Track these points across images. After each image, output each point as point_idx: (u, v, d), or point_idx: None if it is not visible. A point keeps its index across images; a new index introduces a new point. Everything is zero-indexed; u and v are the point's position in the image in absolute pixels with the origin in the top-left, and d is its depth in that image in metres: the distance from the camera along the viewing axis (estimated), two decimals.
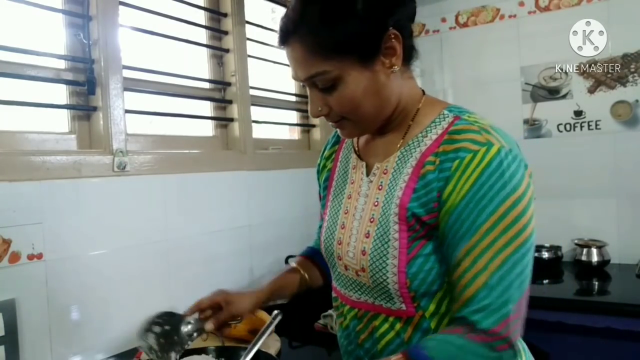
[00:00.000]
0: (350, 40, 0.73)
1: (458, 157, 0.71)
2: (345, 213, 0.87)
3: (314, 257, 1.06)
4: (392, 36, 0.74)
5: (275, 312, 1.04)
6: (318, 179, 1.03)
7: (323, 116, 0.80)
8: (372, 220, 0.80)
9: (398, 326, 0.79)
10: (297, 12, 0.75)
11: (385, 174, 0.81)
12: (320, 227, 1.05)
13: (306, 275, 1.03)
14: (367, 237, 0.80)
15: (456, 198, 0.71)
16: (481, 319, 0.68)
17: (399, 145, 0.81)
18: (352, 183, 0.88)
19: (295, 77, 0.79)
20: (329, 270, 1.02)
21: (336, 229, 0.88)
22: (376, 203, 0.80)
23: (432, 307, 0.77)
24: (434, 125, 0.78)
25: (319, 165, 1.02)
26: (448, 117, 0.78)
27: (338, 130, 0.84)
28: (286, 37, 0.76)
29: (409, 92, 0.82)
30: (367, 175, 0.85)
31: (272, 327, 1.01)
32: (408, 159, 0.78)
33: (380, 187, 0.81)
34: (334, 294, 0.94)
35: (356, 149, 0.91)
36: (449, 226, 0.72)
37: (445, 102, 0.83)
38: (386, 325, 0.80)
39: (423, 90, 0.85)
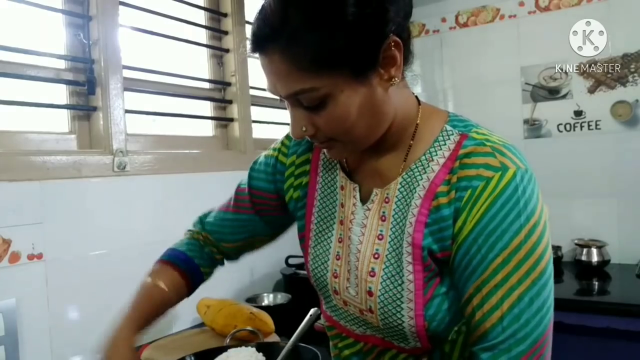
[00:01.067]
0: (343, 52, 0.59)
1: (471, 186, 0.63)
2: (340, 242, 0.76)
3: (181, 265, 0.89)
4: (393, 44, 0.62)
5: (314, 309, 0.99)
6: (272, 179, 0.86)
7: (307, 137, 0.67)
8: (376, 256, 0.70)
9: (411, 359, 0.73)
10: (276, 15, 0.59)
11: (387, 202, 0.71)
12: (230, 219, 0.91)
13: (172, 296, 0.86)
14: (373, 276, 0.70)
15: (465, 231, 0.63)
16: (491, 357, 0.62)
17: (400, 170, 0.70)
18: (342, 206, 0.76)
19: (273, 92, 0.65)
20: (196, 278, 0.90)
21: (329, 259, 0.77)
22: (380, 237, 0.70)
23: (449, 338, 0.70)
24: (438, 145, 0.68)
25: (284, 169, 0.84)
26: (453, 134, 0.68)
27: (325, 150, 0.73)
28: (262, 44, 0.61)
29: (405, 104, 0.71)
30: (363, 201, 0.74)
31: (310, 323, 0.98)
32: (414, 187, 0.68)
33: (383, 219, 0.71)
34: (328, 323, 0.84)
35: (345, 167, 0.78)
36: (457, 262, 0.65)
37: (444, 112, 0.73)
38: None
39: (417, 97, 0.74)
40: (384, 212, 0.71)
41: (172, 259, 0.90)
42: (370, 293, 0.70)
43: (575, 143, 2.13)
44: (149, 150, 1.58)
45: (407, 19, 0.66)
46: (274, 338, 1.35)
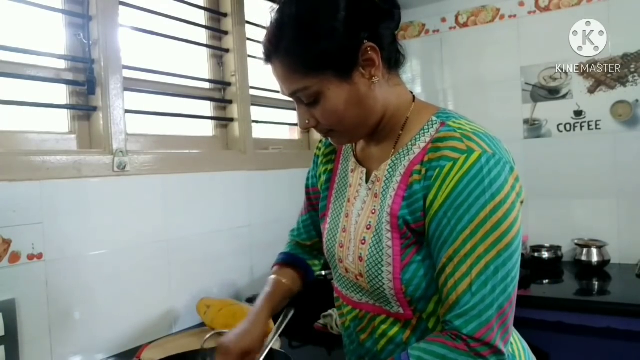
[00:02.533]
0: (325, 57, 0.74)
1: (439, 165, 0.72)
2: (346, 216, 0.88)
3: (292, 263, 1.07)
4: (369, 49, 0.75)
5: (288, 308, 1.04)
6: (315, 173, 1.03)
7: (312, 128, 0.82)
8: (368, 227, 0.81)
9: (397, 327, 0.80)
10: (273, 34, 0.77)
11: (378, 182, 0.82)
12: (306, 221, 1.09)
13: (293, 287, 1.03)
14: (363, 244, 0.81)
15: (436, 206, 0.72)
16: (464, 324, 0.68)
17: (390, 154, 0.82)
18: (350, 186, 0.89)
19: (282, 92, 0.83)
20: (308, 271, 1.07)
21: (338, 232, 0.89)
22: (373, 211, 0.82)
23: (429, 309, 0.78)
24: (422, 133, 0.79)
25: (317, 158, 1.03)
26: (435, 123, 0.78)
27: (329, 139, 0.87)
28: (268, 56, 0.80)
29: (397, 99, 0.83)
30: (367, 181, 0.86)
31: (284, 324, 1.01)
32: (398, 167, 0.79)
33: (376, 195, 0.82)
34: (335, 294, 0.95)
35: (355, 152, 0.92)
36: (432, 233, 0.73)
37: (435, 107, 0.84)
38: (385, 326, 0.82)
39: (414, 96, 0.86)
40: (376, 190, 0.83)
41: (284, 260, 1.08)
42: (360, 259, 0.82)
43: (575, 143, 2.13)
44: (149, 150, 1.58)
45: (392, 28, 0.80)
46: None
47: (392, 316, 0.80)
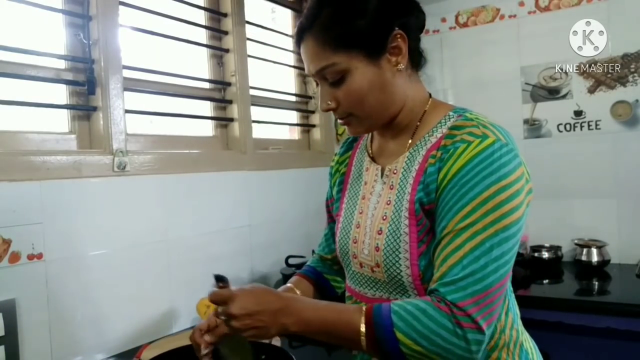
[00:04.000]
0: (358, 36, 0.77)
1: (454, 147, 0.75)
2: (360, 213, 0.89)
3: (309, 275, 1.06)
4: (398, 36, 0.79)
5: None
6: (330, 184, 1.05)
7: (332, 110, 0.84)
8: (384, 218, 0.83)
9: None
10: (312, 11, 0.80)
11: (395, 174, 0.84)
12: (327, 234, 1.08)
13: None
14: (380, 234, 0.82)
15: (444, 180, 0.74)
16: (450, 291, 0.69)
17: (407, 146, 0.84)
18: (365, 184, 0.91)
19: (308, 72, 0.84)
20: (326, 285, 1.06)
21: (351, 229, 0.90)
22: (388, 202, 0.83)
23: None
24: (440, 125, 0.81)
25: (332, 169, 1.05)
26: (453, 117, 0.81)
27: (346, 128, 0.88)
28: (302, 34, 0.82)
29: (416, 94, 0.85)
30: (381, 177, 0.87)
31: None
32: (415, 158, 0.81)
33: (391, 187, 0.84)
34: (347, 294, 0.95)
35: (369, 152, 0.94)
36: (438, 207, 0.75)
37: (452, 105, 0.86)
38: None
39: (430, 94, 0.89)
40: (392, 182, 0.84)
41: (302, 272, 1.08)
42: (377, 249, 0.82)
43: (575, 143, 2.12)
44: (149, 150, 1.58)
45: (419, 29, 0.84)
46: (274, 338, 1.35)
47: None
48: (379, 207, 0.85)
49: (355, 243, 0.88)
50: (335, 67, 0.79)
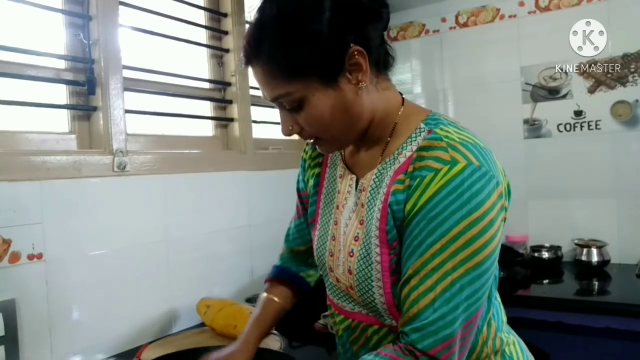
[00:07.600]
0: (309, 63, 0.70)
1: (420, 175, 0.69)
2: (335, 224, 0.85)
3: (285, 279, 1.04)
4: (356, 53, 0.71)
5: None
6: (303, 177, 0.99)
7: (296, 134, 0.78)
8: (356, 238, 0.78)
9: (391, 337, 0.78)
10: (254, 37, 0.73)
11: (364, 191, 0.79)
12: (299, 224, 1.03)
13: (285, 304, 1.02)
14: (352, 257, 0.78)
15: (411, 212, 0.69)
16: (419, 338, 0.66)
17: (378, 162, 0.79)
18: (339, 193, 0.86)
19: (264, 97, 0.78)
20: (302, 284, 1.04)
21: (327, 240, 0.86)
22: (361, 221, 0.78)
23: None
24: (410, 141, 0.75)
25: (304, 162, 0.99)
26: (423, 131, 0.74)
27: (316, 147, 0.82)
28: (248, 59, 0.75)
29: (386, 104, 0.78)
30: (356, 188, 0.82)
31: None
32: (384, 177, 0.76)
33: (362, 205, 0.79)
34: (327, 302, 0.93)
35: (343, 156, 0.88)
36: (403, 242, 0.70)
37: (425, 112, 0.79)
38: (378, 336, 0.80)
39: (403, 98, 0.82)
40: (363, 200, 0.79)
41: (276, 276, 1.06)
42: (350, 271, 0.79)
43: (575, 143, 2.12)
44: (149, 150, 1.58)
45: (380, 29, 0.75)
46: (274, 338, 1.35)
47: (385, 327, 0.78)
48: (350, 225, 0.80)
49: (331, 256, 0.84)
50: (290, 97, 0.72)
